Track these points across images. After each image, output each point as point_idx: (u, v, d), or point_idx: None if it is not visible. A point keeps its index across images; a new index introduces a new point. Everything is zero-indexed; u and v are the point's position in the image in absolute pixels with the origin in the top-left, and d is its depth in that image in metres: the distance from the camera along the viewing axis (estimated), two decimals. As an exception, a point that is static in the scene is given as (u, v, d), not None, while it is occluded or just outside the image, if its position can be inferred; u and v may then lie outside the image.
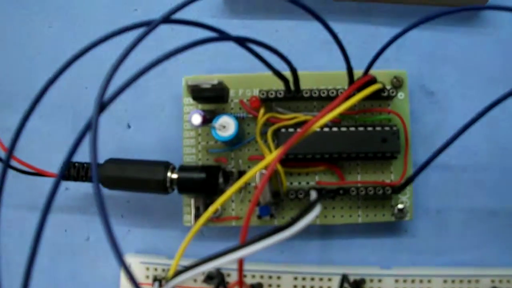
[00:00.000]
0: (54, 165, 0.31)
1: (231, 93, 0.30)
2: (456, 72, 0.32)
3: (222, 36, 0.24)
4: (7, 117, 0.33)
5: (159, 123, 0.32)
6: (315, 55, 0.32)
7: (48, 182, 0.30)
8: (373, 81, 0.27)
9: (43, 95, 0.23)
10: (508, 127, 0.32)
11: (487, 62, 0.32)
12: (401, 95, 0.30)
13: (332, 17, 0.33)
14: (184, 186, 0.28)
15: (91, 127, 0.22)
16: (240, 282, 0.23)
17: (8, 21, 0.34)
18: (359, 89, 0.27)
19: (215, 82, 0.28)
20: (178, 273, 0.22)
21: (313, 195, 0.28)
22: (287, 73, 0.27)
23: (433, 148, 0.32)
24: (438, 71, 0.32)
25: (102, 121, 0.32)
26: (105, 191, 0.28)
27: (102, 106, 0.22)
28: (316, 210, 0.22)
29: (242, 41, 0.25)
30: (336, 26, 0.32)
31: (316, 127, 0.23)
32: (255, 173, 0.23)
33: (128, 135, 0.33)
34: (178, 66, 0.32)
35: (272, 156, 0.23)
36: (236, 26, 0.33)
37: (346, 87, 0.28)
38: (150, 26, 0.23)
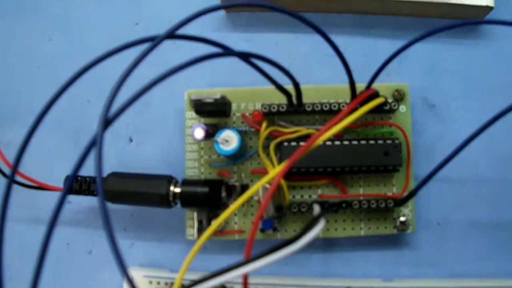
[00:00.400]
0: (55, 179, 0.31)
1: (234, 107, 0.30)
2: (458, 84, 0.32)
3: (226, 51, 0.25)
4: (8, 131, 0.33)
5: (161, 137, 0.33)
6: (316, 68, 0.33)
7: (49, 196, 0.30)
8: (376, 95, 0.27)
9: (47, 112, 0.23)
10: (508, 139, 0.32)
11: (488, 75, 0.32)
12: (402, 108, 0.30)
13: (332, 30, 0.33)
14: (187, 200, 0.28)
15: (96, 144, 0.22)
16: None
17: (9, 34, 0.35)
18: (362, 103, 0.27)
19: (218, 96, 0.28)
20: (183, 288, 0.22)
21: (316, 209, 0.28)
22: (289, 87, 0.27)
23: (434, 160, 0.32)
24: (440, 83, 0.32)
25: (104, 134, 0.32)
26: (108, 204, 0.28)
27: (107, 122, 0.22)
28: (320, 224, 0.23)
29: (245, 57, 0.25)
30: (337, 39, 0.32)
31: (319, 141, 0.23)
32: (258, 188, 0.24)
33: (130, 149, 0.33)
34: (180, 80, 0.32)
35: (276, 171, 0.24)
36: (237, 39, 0.33)
37: (348, 101, 0.29)
38: (154, 42, 0.23)
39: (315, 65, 0.33)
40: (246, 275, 0.23)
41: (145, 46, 0.23)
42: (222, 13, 0.33)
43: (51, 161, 0.33)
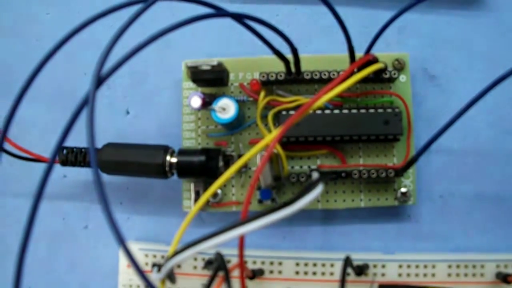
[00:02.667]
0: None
1: (231, 76, 0.30)
2: (458, 55, 0.32)
3: (219, 12, 0.24)
4: (6, 106, 0.33)
5: (158, 109, 0.32)
6: (315, 39, 0.32)
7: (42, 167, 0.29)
8: (375, 60, 0.27)
9: (39, 71, 0.23)
10: (510, 110, 0.31)
11: (489, 45, 0.32)
12: (403, 77, 0.30)
13: (332, 1, 0.32)
14: (184, 170, 0.28)
15: (88, 102, 0.21)
16: (241, 264, 0.23)
17: (5, 9, 0.34)
18: (360, 69, 0.26)
19: (215, 63, 0.27)
20: (176, 252, 0.22)
21: (315, 175, 0.27)
22: (287, 56, 0.27)
23: (435, 129, 0.31)
24: (440, 54, 0.32)
25: (100, 107, 0.32)
26: (104, 177, 0.28)
27: (99, 80, 0.22)
28: (319, 188, 0.22)
29: (239, 18, 0.24)
30: (337, 9, 0.32)
31: (316, 106, 0.23)
32: (254, 153, 0.23)
33: (127, 121, 0.32)
34: (177, 51, 0.32)
35: (271, 136, 0.23)
36: (236, 10, 0.32)
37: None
38: (147, 2, 0.23)
39: (314, 36, 0.32)
40: (242, 238, 0.22)
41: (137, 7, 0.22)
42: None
43: (49, 135, 0.32)
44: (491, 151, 0.31)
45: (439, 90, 0.32)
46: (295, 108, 0.29)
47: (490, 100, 0.30)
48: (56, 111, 0.33)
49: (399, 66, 0.30)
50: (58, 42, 0.23)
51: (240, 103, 0.29)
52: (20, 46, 0.34)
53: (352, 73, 0.26)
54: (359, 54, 0.27)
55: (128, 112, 0.32)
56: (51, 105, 0.33)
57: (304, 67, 0.28)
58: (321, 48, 0.32)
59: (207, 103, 0.28)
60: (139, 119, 0.32)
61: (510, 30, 0.32)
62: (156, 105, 0.32)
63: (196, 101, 0.28)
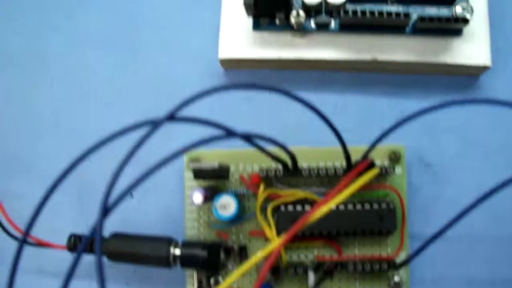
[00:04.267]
0: (58, 235, 0.32)
1: (232, 167, 0.31)
2: (455, 142, 0.33)
3: (229, 132, 0.25)
4: (9, 181, 0.34)
5: (161, 195, 0.33)
6: (312, 128, 0.33)
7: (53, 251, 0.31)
8: (371, 164, 0.28)
9: (56, 186, 0.24)
10: (502, 196, 0.32)
11: (487, 133, 0.33)
12: (398, 170, 0.31)
13: (330, 88, 0.33)
14: (187, 262, 0.29)
15: (96, 232, 0.23)
16: None
17: (10, 84, 0.35)
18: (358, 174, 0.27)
19: (216, 165, 0.28)
20: None
21: (311, 278, 0.28)
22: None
23: (430, 219, 0.33)
24: (437, 141, 0.33)
25: (102, 161, 0.32)
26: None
27: (106, 210, 0.23)
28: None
29: (248, 138, 0.25)
30: (334, 97, 0.33)
31: (317, 215, 0.24)
32: (257, 260, 0.24)
33: (131, 205, 0.33)
34: (179, 141, 0.33)
35: (274, 245, 0.24)
36: (235, 97, 0.33)
37: (344, 163, 0.29)
38: (154, 124, 0.24)
39: (311, 124, 0.33)
40: None
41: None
42: (220, 69, 0.34)
43: (54, 217, 0.34)
44: (483, 236, 0.32)
45: (434, 178, 0.33)
46: (294, 202, 0.30)
47: (481, 186, 0.31)
48: (62, 193, 0.33)
49: (395, 159, 0.31)
50: (67, 167, 0.24)
51: (240, 196, 0.31)
52: (24, 121, 0.35)
53: (351, 181, 0.27)
54: (357, 146, 0.29)
55: (132, 196, 0.33)
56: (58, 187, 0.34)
57: (302, 159, 0.30)
58: (319, 136, 0.33)
59: (208, 198, 0.30)
60: (143, 204, 0.33)
61: (508, 117, 0.33)
62: (159, 192, 0.33)
63: (197, 198, 0.29)
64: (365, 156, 0.28)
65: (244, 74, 0.34)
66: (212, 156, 0.31)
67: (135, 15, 0.35)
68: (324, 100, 0.33)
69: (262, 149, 0.26)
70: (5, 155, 0.35)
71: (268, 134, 0.30)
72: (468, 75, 0.33)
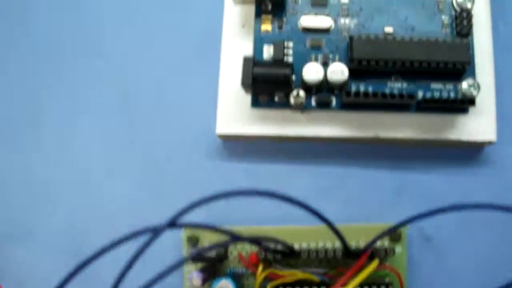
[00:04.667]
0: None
1: (230, 246, 0.31)
2: (456, 216, 0.32)
3: (235, 237, 0.25)
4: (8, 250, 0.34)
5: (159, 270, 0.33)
6: (313, 202, 0.32)
7: None
8: (372, 255, 0.28)
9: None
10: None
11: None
12: (398, 249, 0.31)
13: (332, 161, 0.33)
14: None
15: None
16: None
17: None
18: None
19: (213, 254, 0.28)
20: None
21: None
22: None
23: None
24: (438, 215, 0.32)
25: (101, 268, 0.32)
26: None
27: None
28: None
29: (257, 242, 0.25)
30: (336, 170, 0.33)
31: None
32: None
33: (130, 277, 0.33)
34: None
35: None
36: (234, 169, 0.33)
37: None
38: (155, 232, 0.24)
39: (312, 198, 0.32)
40: None
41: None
42: (218, 141, 0.33)
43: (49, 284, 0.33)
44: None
45: (435, 252, 0.32)
46: (293, 283, 0.30)
47: (474, 250, 0.32)
48: (55, 261, 0.33)
49: (396, 238, 0.31)
50: (62, 281, 0.23)
51: (239, 276, 0.30)
52: (17, 189, 0.34)
53: (352, 276, 0.27)
54: (356, 224, 0.29)
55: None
56: (52, 253, 0.33)
57: (301, 238, 0.29)
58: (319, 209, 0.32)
59: (207, 278, 0.29)
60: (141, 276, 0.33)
61: (509, 190, 0.32)
62: (157, 267, 0.33)
63: (196, 281, 0.29)
64: (370, 245, 0.28)
65: (243, 146, 0.33)
66: (211, 234, 0.31)
67: (131, 86, 0.34)
68: (324, 173, 0.33)
69: (269, 249, 0.26)
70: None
71: (266, 215, 0.30)
72: (472, 148, 0.33)
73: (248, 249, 0.31)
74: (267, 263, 0.30)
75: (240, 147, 0.33)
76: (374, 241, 0.27)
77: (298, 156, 0.33)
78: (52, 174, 0.34)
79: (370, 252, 0.28)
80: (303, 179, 0.33)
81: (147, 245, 0.24)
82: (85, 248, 0.32)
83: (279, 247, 0.28)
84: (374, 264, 0.27)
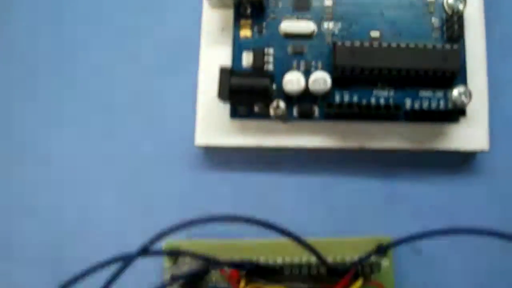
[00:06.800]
0: None
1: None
2: (445, 227, 0.31)
3: (215, 262, 0.24)
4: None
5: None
6: (298, 213, 0.31)
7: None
8: (357, 274, 0.27)
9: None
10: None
11: (479, 215, 0.31)
12: (385, 263, 0.30)
13: (318, 168, 0.32)
14: None
15: None
16: None
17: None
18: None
19: (195, 271, 0.28)
20: None
21: None
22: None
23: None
24: (426, 226, 0.31)
25: None
26: None
27: None
28: None
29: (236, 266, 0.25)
30: (322, 179, 0.32)
31: None
32: None
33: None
34: (158, 226, 0.31)
35: None
36: (215, 179, 0.31)
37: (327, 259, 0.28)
38: (126, 260, 0.23)
39: (296, 209, 0.31)
40: None
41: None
42: (197, 150, 0.32)
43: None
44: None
45: (423, 264, 0.31)
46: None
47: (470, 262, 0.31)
48: (35, 274, 0.32)
49: (382, 250, 0.30)
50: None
51: (221, 292, 0.30)
52: None
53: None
54: (344, 237, 0.28)
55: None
56: (32, 267, 0.32)
57: (284, 253, 0.29)
58: (303, 220, 0.31)
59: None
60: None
61: (503, 199, 0.31)
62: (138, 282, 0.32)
63: (177, 299, 0.28)
64: (356, 264, 0.27)
65: (225, 156, 0.32)
66: (192, 245, 0.30)
67: (106, 97, 0.33)
68: (308, 182, 0.31)
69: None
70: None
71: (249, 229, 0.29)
72: (465, 156, 0.31)
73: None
74: (250, 279, 0.30)
75: (222, 157, 0.32)
76: (359, 261, 0.26)
77: (281, 166, 0.32)
78: (28, 187, 0.33)
79: (354, 270, 0.27)
80: (287, 189, 0.32)
81: (118, 274, 0.23)
82: (63, 262, 0.32)
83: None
84: (358, 284, 0.27)
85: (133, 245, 0.23)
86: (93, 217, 0.32)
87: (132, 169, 0.32)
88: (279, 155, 0.31)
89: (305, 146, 0.29)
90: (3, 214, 0.33)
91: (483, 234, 0.23)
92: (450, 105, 0.28)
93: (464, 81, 0.29)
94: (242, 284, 0.29)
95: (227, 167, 0.32)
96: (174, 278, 0.28)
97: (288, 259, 0.30)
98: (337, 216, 0.31)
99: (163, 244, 0.30)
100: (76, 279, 0.23)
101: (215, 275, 0.30)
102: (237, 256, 0.30)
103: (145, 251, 0.23)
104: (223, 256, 0.30)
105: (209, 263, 0.24)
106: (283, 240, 0.30)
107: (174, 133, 0.32)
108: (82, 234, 0.32)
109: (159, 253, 0.24)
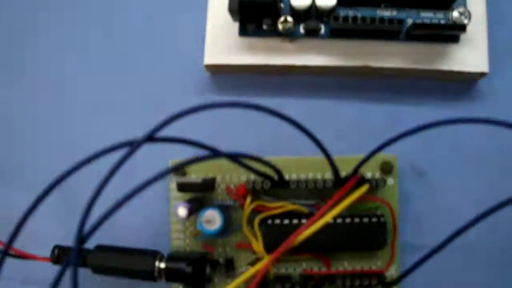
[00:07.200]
0: (40, 246, 0.31)
1: (218, 178, 0.30)
2: (448, 150, 0.32)
3: (215, 153, 0.24)
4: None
5: (146, 205, 0.32)
6: (301, 137, 0.32)
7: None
8: (361, 181, 0.27)
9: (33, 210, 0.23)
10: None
11: (480, 140, 0.32)
12: (390, 181, 0.30)
13: (322, 94, 0.32)
14: (172, 276, 0.28)
15: (70, 263, 0.22)
16: None
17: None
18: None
19: (199, 181, 0.28)
20: None
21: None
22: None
23: (423, 230, 0.32)
24: (430, 149, 0.32)
25: (82, 183, 0.31)
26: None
27: (81, 239, 0.22)
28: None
29: (234, 157, 0.25)
30: (328, 103, 0.32)
31: (306, 234, 0.25)
32: (247, 278, 0.24)
33: (116, 216, 0.32)
34: (164, 148, 0.32)
35: (262, 263, 0.25)
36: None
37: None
38: (132, 146, 0.23)
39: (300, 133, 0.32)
40: None
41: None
42: (205, 75, 0.32)
43: (37, 226, 0.33)
44: (478, 248, 0.31)
45: (427, 187, 0.31)
46: (281, 214, 0.29)
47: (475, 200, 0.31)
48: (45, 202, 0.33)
49: (387, 169, 0.30)
50: (43, 191, 0.23)
51: (226, 208, 0.30)
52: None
53: (340, 199, 0.26)
54: (349, 156, 0.29)
55: (117, 204, 0.33)
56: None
57: (290, 170, 0.29)
58: (308, 143, 0.32)
59: (193, 211, 0.29)
60: (127, 214, 0.32)
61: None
62: (143, 201, 0.32)
63: (182, 211, 0.28)
64: (356, 170, 0.27)
65: (231, 79, 0.32)
66: (198, 166, 0.30)
67: (119, 19, 0.34)
68: (315, 106, 0.32)
69: (248, 167, 0.26)
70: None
71: (254, 146, 0.30)
72: (465, 81, 0.32)
73: (236, 182, 0.30)
74: (256, 195, 0.30)
75: (228, 81, 0.32)
76: (363, 162, 0.26)
77: (287, 89, 0.32)
78: (38, 111, 0.33)
79: (360, 179, 0.27)
80: (293, 112, 0.32)
81: (124, 159, 0.23)
82: (70, 192, 0.33)
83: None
84: (364, 188, 0.27)
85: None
86: (104, 138, 0.32)
87: (140, 92, 0.33)
88: (285, 79, 0.32)
89: (311, 64, 0.30)
90: (14, 143, 0.34)
91: (482, 122, 0.24)
92: (450, 25, 0.28)
93: (463, 3, 0.29)
94: (248, 200, 0.30)
95: (234, 91, 0.32)
96: (180, 189, 0.29)
97: (294, 176, 0.30)
98: (343, 139, 0.31)
99: (170, 163, 0.31)
100: (81, 164, 0.23)
101: (221, 194, 0.31)
102: (242, 175, 0.30)
103: (150, 138, 0.23)
104: (228, 174, 0.30)
105: (214, 152, 0.24)
106: (289, 157, 0.30)
107: (183, 57, 0.33)
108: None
109: (166, 140, 0.24)
